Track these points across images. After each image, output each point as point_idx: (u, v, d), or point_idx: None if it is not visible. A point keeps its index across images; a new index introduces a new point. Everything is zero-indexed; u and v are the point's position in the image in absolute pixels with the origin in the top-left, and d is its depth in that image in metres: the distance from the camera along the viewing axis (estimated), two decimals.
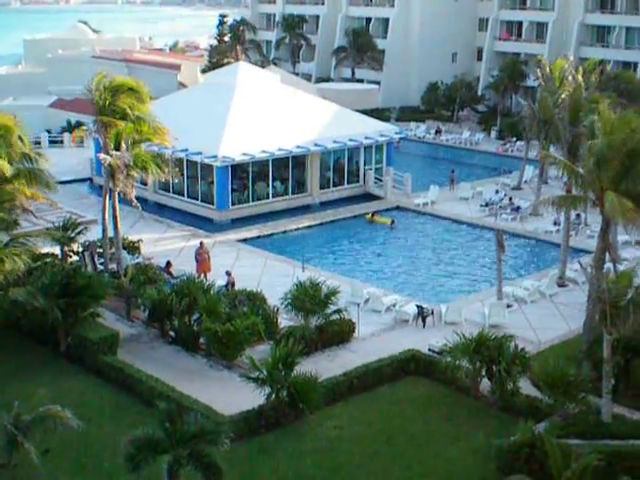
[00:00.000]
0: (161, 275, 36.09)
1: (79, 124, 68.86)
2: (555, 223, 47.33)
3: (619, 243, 42.19)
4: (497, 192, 54.93)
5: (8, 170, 32.81)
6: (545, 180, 55.69)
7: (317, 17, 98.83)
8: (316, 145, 53.01)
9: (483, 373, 27.65)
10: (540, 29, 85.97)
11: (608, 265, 30.22)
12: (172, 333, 32.35)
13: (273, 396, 26.05)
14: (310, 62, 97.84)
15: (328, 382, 27.61)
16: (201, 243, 40.99)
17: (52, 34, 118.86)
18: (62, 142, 69.66)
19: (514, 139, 71.60)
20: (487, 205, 52.49)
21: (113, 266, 37.43)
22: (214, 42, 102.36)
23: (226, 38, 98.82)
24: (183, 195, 52.15)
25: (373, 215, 51.20)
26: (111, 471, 23.16)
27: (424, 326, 34.04)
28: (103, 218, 37.56)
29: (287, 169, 52.99)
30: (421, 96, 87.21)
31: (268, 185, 52.12)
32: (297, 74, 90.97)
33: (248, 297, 33.04)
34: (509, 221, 49.97)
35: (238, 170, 50.79)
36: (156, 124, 37.08)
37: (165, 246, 44.36)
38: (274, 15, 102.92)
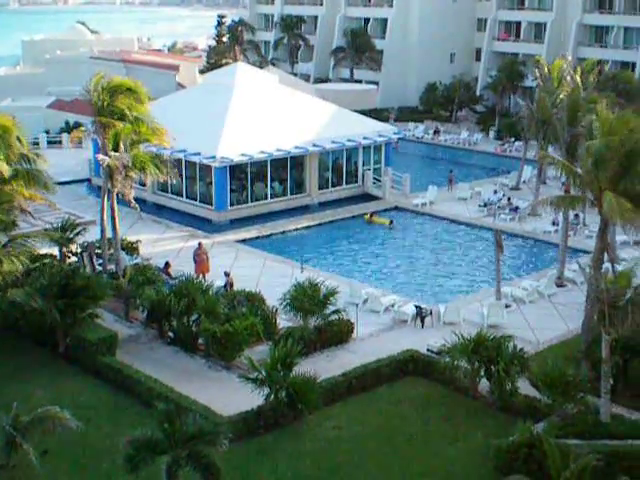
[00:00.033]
0: (160, 276, 36.05)
1: (78, 125, 68.94)
2: (553, 223, 47.36)
3: (617, 243, 42.28)
4: (495, 192, 54.96)
5: (6, 171, 32.80)
6: (543, 180, 55.74)
7: (315, 17, 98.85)
8: (314, 145, 53.03)
9: (482, 373, 27.67)
10: (538, 29, 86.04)
11: (606, 265, 30.24)
12: (171, 334, 32.35)
13: (272, 397, 26.05)
14: (308, 62, 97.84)
15: (327, 382, 27.62)
16: (199, 244, 40.99)
17: (50, 35, 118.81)
18: (61, 143, 69.59)
19: (512, 139, 71.66)
20: (485, 205, 52.51)
21: (112, 267, 37.42)
22: (212, 43, 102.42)
23: (224, 39, 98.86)
24: (182, 196, 52.15)
25: (372, 215, 51.21)
26: (110, 472, 23.15)
27: (423, 326, 34.05)
28: (102, 219, 37.55)
29: (286, 169, 52.99)
30: (419, 96, 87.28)
31: (267, 186, 52.14)
32: (295, 74, 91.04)
33: (247, 298, 33.04)
34: (507, 221, 49.99)
35: (237, 171, 50.80)
36: (154, 125, 37.05)
37: (164, 247, 44.37)
38: (272, 15, 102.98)
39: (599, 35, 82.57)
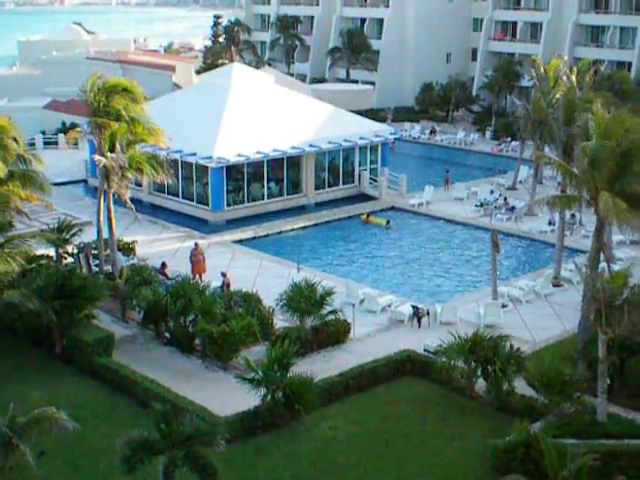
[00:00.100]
0: (156, 276, 36.05)
1: (74, 125, 68.78)
2: (550, 223, 47.41)
3: (614, 243, 42.29)
4: (492, 192, 54.98)
5: (2, 171, 32.76)
6: (540, 180, 55.76)
7: (312, 18, 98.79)
8: (311, 146, 53.04)
9: (478, 373, 27.68)
10: (534, 29, 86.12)
11: (603, 265, 30.25)
12: (167, 334, 32.33)
13: (269, 397, 26.04)
14: (305, 63, 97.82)
15: (324, 383, 27.63)
16: (196, 244, 40.97)
17: (46, 35, 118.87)
18: (57, 143, 69.55)
19: (509, 139, 71.67)
20: (482, 205, 52.54)
21: (108, 267, 37.37)
22: (209, 43, 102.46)
23: (221, 39, 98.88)
24: (178, 196, 52.13)
25: (368, 216, 51.22)
26: (107, 473, 23.15)
27: (419, 326, 34.06)
28: (98, 220, 37.49)
29: (282, 170, 52.98)
30: (416, 96, 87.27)
31: (263, 186, 52.12)
32: (292, 75, 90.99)
33: (243, 298, 33.00)
34: (504, 221, 50.02)
35: (233, 171, 50.78)
36: (151, 125, 37.02)
37: (160, 247, 44.33)
38: (268, 16, 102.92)
39: (595, 35, 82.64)
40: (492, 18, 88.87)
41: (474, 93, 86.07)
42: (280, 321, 32.47)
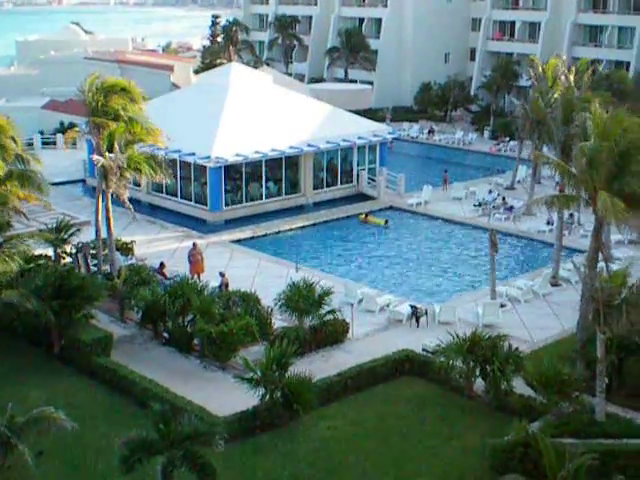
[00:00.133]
0: (154, 276, 36.04)
1: (72, 125, 68.72)
2: (548, 223, 47.44)
3: (612, 242, 42.28)
4: (490, 192, 54.98)
5: (1, 171, 32.75)
6: (538, 180, 55.80)
7: (310, 17, 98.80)
8: (309, 145, 53.02)
9: (477, 373, 27.68)
10: (533, 29, 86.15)
11: (601, 264, 30.26)
12: (166, 334, 32.31)
13: (267, 397, 26.03)
14: (303, 62, 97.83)
15: (322, 382, 27.63)
16: (194, 244, 40.96)
17: (44, 35, 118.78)
18: (55, 143, 69.52)
19: (507, 139, 71.72)
20: (480, 205, 52.54)
21: (106, 267, 37.35)
22: (207, 43, 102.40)
23: (219, 39, 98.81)
24: (176, 196, 52.12)
25: (367, 215, 51.22)
26: (105, 473, 23.15)
27: (418, 326, 34.07)
28: (96, 219, 37.46)
29: (280, 170, 52.96)
30: (414, 96, 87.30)
31: (261, 186, 52.12)
32: (290, 74, 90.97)
33: (242, 298, 32.99)
34: (502, 221, 50.03)
35: (231, 171, 50.76)
36: (149, 125, 37.01)
37: (158, 247, 44.32)
38: (267, 16, 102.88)
39: (593, 35, 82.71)
40: (490, 18, 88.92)
41: (472, 93, 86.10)
42: (278, 321, 32.47)
